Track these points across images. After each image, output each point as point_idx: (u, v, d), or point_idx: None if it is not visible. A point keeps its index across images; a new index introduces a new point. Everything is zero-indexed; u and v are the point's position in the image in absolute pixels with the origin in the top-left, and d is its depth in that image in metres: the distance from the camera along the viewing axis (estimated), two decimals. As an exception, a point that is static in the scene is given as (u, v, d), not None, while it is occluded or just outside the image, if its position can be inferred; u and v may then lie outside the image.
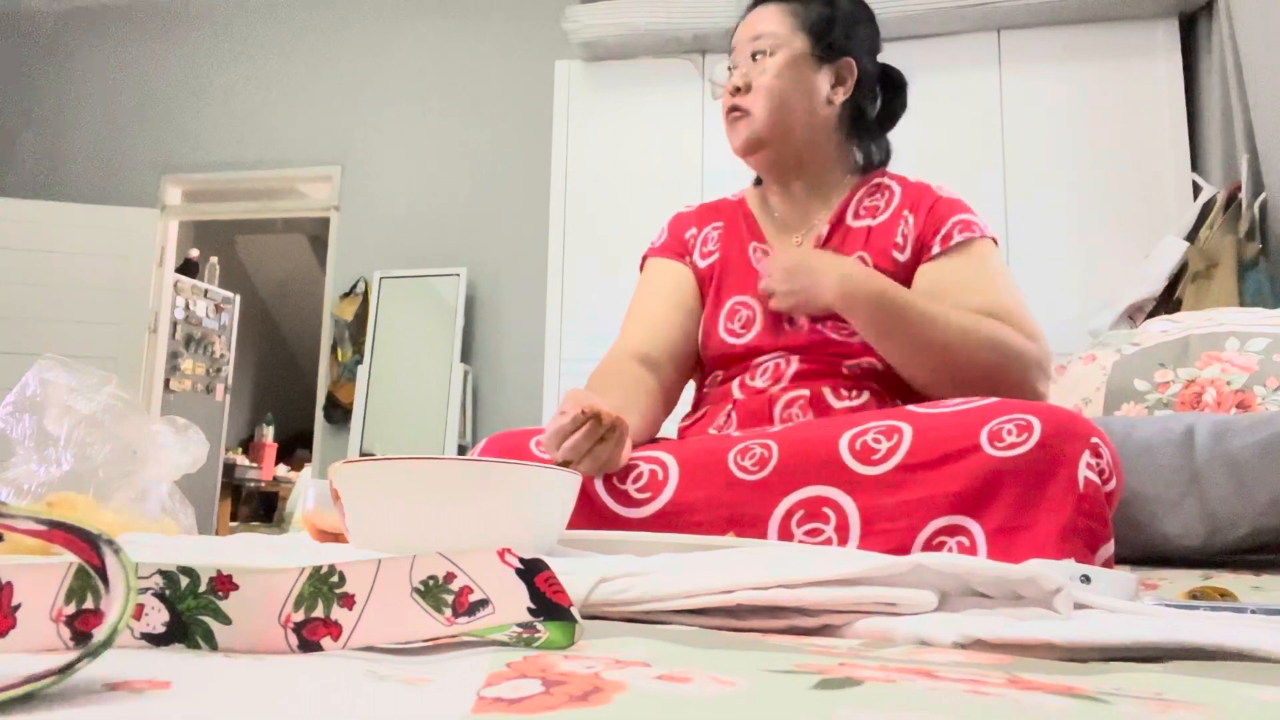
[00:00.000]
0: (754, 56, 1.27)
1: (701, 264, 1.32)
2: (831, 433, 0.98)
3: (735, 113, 1.27)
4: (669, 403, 1.27)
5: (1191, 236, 2.83)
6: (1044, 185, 3.40)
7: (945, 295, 1.15)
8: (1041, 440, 0.88)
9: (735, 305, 1.26)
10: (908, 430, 0.94)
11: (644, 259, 1.39)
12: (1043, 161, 3.41)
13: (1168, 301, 2.74)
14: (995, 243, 1.23)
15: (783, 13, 1.28)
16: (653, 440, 1.18)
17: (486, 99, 4.27)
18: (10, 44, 4.96)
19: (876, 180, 1.30)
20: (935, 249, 1.20)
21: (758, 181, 1.39)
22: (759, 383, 1.19)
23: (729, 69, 1.31)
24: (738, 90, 1.27)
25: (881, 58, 1.34)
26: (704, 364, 1.30)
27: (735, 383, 1.22)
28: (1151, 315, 2.64)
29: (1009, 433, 0.90)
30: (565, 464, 0.98)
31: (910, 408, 1.01)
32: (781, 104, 1.24)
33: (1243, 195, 2.72)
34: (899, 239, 1.22)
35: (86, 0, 4.87)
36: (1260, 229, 2.66)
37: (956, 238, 1.19)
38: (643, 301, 1.33)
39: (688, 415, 1.29)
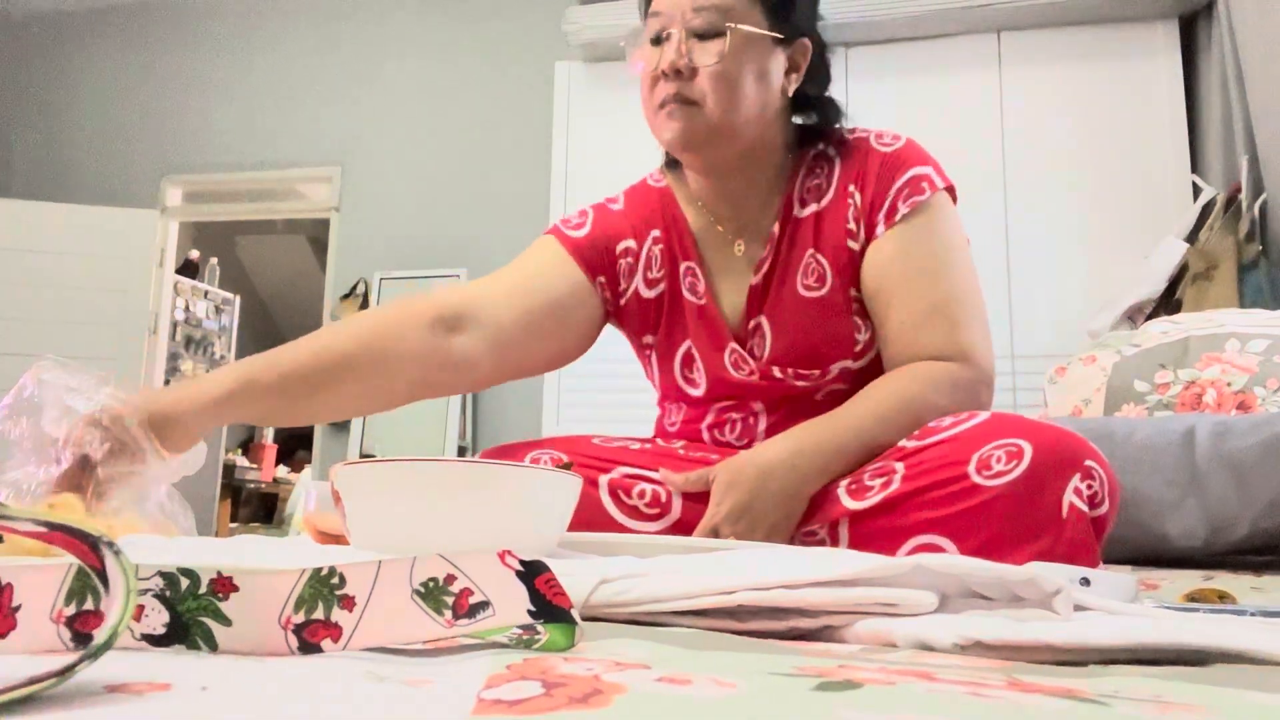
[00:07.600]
0: (698, 35, 1.03)
1: (647, 292, 1.15)
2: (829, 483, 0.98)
3: (676, 102, 1.03)
4: (457, 380, 1.08)
5: (1191, 237, 2.84)
6: (1044, 186, 3.40)
7: (890, 296, 1.04)
8: (1030, 468, 0.85)
9: (688, 350, 1.14)
10: (899, 469, 0.94)
11: (548, 234, 1.19)
12: (1043, 162, 3.41)
13: (1168, 302, 2.74)
14: (951, 191, 1.08)
15: None
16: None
17: (486, 100, 4.27)
18: (11, 44, 4.96)
19: (814, 153, 1.12)
20: (880, 227, 1.05)
21: (672, 163, 1.17)
22: (732, 438, 1.14)
23: (655, 39, 1.06)
24: (679, 74, 1.02)
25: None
26: (660, 393, 1.23)
27: (706, 435, 1.16)
28: (1151, 316, 2.64)
29: (998, 460, 0.87)
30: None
31: (903, 443, 0.96)
32: (739, 97, 1.03)
33: (1243, 196, 2.72)
34: (850, 224, 1.07)
35: (87, 1, 4.87)
36: (1260, 230, 2.67)
37: (902, 209, 1.04)
38: (518, 269, 1.14)
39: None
